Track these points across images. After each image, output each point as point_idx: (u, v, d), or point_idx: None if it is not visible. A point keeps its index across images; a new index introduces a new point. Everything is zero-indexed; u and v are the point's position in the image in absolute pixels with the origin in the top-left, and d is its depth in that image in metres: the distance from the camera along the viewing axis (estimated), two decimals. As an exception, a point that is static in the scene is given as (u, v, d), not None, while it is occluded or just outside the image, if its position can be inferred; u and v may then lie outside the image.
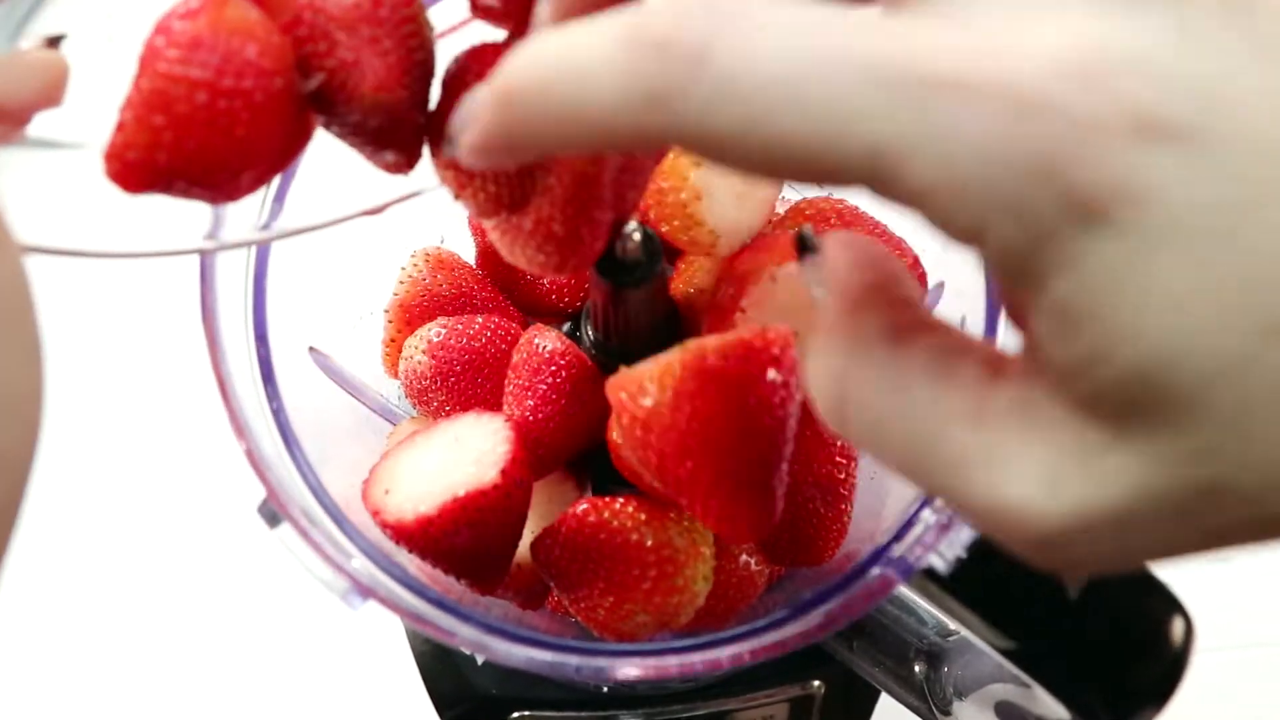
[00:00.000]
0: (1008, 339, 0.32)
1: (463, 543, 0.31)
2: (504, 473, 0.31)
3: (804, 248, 0.21)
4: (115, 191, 0.21)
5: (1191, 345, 0.15)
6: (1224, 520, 0.16)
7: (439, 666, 0.46)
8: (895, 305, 0.19)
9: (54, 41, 0.25)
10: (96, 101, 0.26)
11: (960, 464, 0.17)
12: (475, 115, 0.17)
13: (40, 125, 0.24)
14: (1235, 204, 0.15)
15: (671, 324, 0.37)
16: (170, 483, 0.65)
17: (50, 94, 0.24)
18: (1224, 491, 0.16)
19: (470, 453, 0.32)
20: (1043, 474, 0.16)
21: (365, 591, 0.28)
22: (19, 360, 0.18)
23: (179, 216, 0.27)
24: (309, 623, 0.62)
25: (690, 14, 0.16)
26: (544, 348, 0.37)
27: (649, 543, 0.33)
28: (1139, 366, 0.15)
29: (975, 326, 0.33)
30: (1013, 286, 0.16)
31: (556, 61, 0.16)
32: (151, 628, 0.62)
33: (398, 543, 0.32)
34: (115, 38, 0.27)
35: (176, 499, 0.65)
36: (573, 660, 0.31)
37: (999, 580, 0.28)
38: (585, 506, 0.34)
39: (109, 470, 0.65)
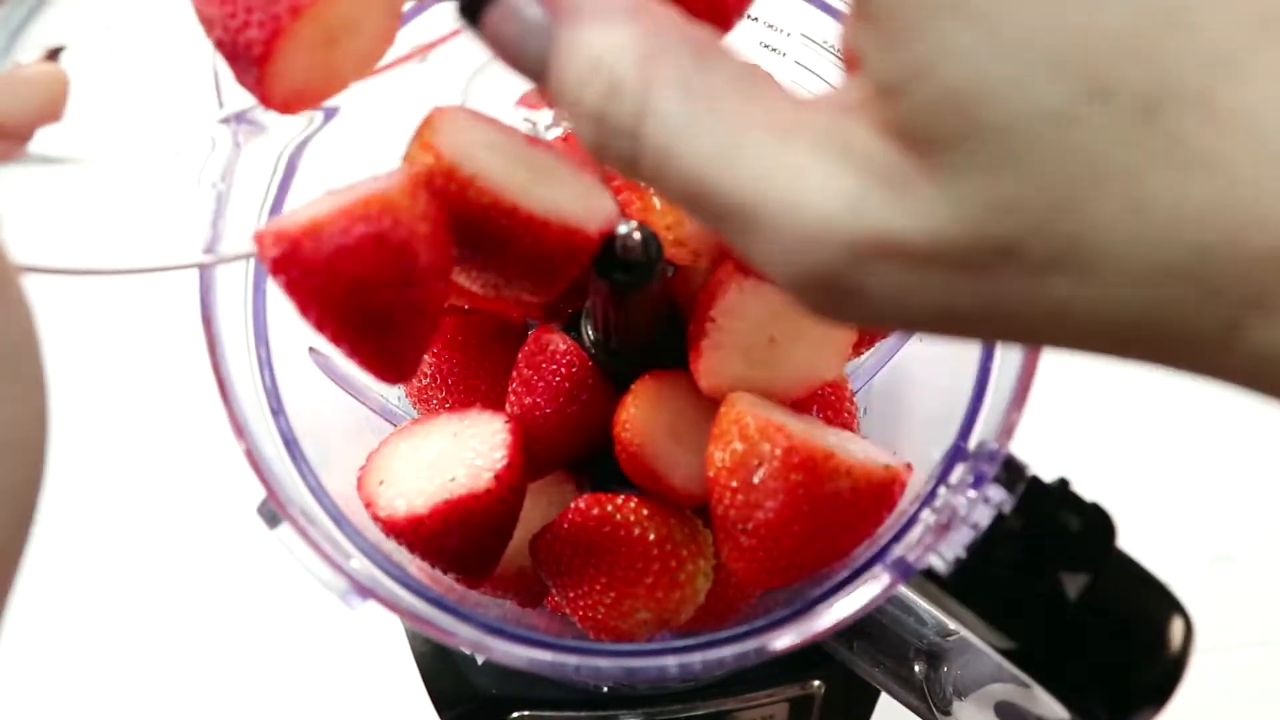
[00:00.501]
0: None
1: (452, 542, 0.31)
2: (499, 478, 0.32)
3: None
4: (114, 205, 0.21)
5: (1014, 81, 0.15)
6: (1004, 290, 0.16)
7: (439, 666, 0.46)
8: (696, 29, 0.19)
9: (54, 54, 0.25)
10: (97, 116, 0.26)
11: (763, 176, 0.17)
12: None
13: (41, 141, 0.24)
14: None
15: (672, 324, 0.37)
16: (170, 483, 0.65)
17: (51, 110, 0.24)
18: (1014, 253, 0.15)
19: (467, 452, 0.32)
20: (849, 193, 0.16)
21: (364, 591, 0.29)
22: (22, 397, 0.18)
23: (178, 230, 0.27)
24: (309, 623, 0.62)
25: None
26: (550, 346, 0.37)
27: (651, 537, 0.34)
28: (956, 88, 0.15)
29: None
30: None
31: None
32: (151, 627, 0.62)
33: (388, 535, 0.32)
34: (116, 49, 0.27)
35: (176, 499, 0.65)
36: (572, 660, 0.31)
37: (998, 581, 0.28)
38: (589, 506, 0.34)
39: (108, 471, 0.65)
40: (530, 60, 0.19)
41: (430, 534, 0.31)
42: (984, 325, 0.17)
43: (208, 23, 0.24)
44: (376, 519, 0.31)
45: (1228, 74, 0.14)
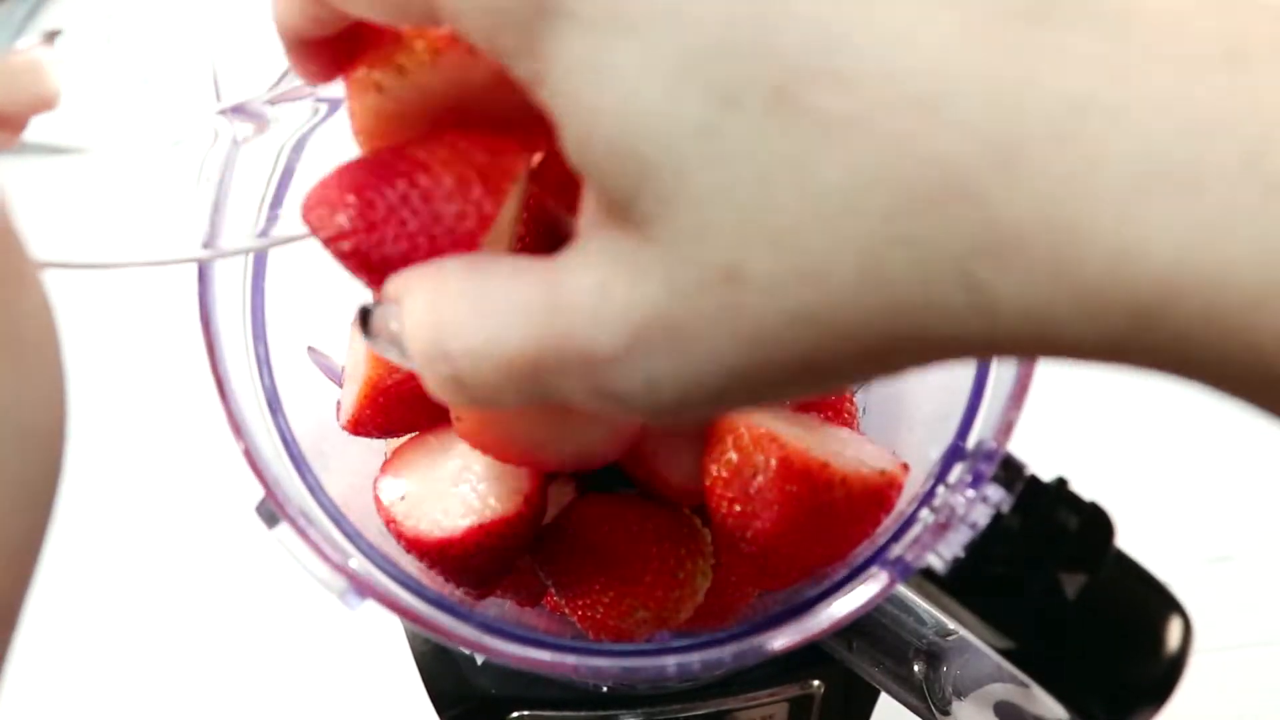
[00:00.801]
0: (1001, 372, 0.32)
1: (477, 563, 0.31)
2: (528, 500, 0.32)
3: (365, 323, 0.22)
4: (114, 197, 0.21)
5: (649, 117, 0.15)
6: (760, 319, 0.16)
7: (439, 666, 0.46)
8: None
9: (50, 37, 0.25)
10: (94, 104, 0.26)
11: (543, 312, 0.18)
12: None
13: (37, 130, 0.24)
14: None
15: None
16: (168, 482, 0.66)
17: (45, 98, 0.24)
18: (742, 280, 0.16)
19: (493, 468, 0.32)
20: (593, 282, 0.17)
21: (364, 591, 0.29)
22: (44, 392, 0.18)
23: (177, 222, 0.27)
24: (308, 623, 0.62)
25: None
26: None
27: (650, 533, 0.34)
28: (612, 143, 0.16)
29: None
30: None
31: None
32: (150, 627, 0.62)
33: (409, 552, 0.32)
34: (114, 38, 0.27)
35: (174, 498, 0.65)
36: (571, 659, 0.31)
37: (996, 580, 0.29)
38: (588, 506, 0.34)
39: (106, 470, 0.66)
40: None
41: (459, 554, 0.31)
42: (770, 371, 0.17)
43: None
44: (401, 537, 0.32)
45: (840, 43, 0.14)
